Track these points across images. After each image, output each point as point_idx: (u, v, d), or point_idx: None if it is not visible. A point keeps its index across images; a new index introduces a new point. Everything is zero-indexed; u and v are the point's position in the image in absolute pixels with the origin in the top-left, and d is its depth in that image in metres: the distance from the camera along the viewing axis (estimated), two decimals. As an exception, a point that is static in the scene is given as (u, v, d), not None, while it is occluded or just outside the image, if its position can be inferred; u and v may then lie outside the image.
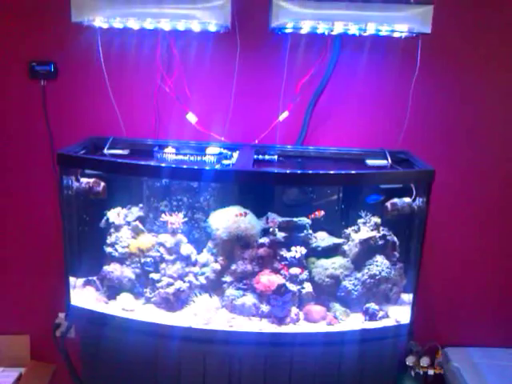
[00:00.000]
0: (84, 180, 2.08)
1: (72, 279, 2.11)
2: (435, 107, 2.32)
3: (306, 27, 2.02)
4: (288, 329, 1.97)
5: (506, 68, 2.29)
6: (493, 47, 2.26)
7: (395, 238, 2.12)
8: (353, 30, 2.04)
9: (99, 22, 2.05)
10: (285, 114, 2.30)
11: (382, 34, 2.07)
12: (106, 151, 2.17)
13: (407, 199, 2.06)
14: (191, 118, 2.31)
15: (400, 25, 1.97)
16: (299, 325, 2.00)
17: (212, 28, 2.07)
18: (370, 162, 2.17)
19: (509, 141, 2.36)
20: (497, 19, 2.23)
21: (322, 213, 2.07)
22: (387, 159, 2.15)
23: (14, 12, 2.28)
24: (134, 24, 2.07)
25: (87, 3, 1.97)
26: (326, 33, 2.11)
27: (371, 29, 2.01)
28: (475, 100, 2.32)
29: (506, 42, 2.26)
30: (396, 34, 2.09)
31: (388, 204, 2.07)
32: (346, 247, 2.13)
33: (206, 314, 1.98)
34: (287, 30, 2.07)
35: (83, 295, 2.10)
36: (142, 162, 1.94)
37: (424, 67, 2.18)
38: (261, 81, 2.32)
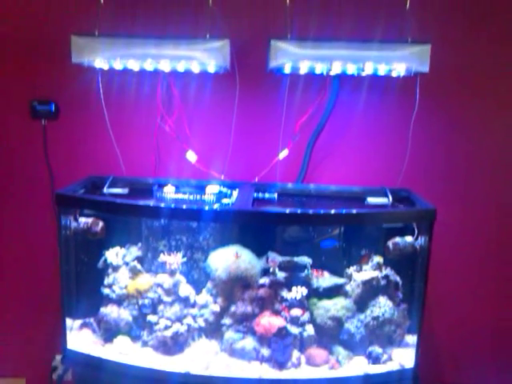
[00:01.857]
0: (82, 220, 2.07)
1: (69, 321, 2.07)
2: (435, 145, 2.31)
3: (304, 67, 2.04)
4: (289, 374, 1.91)
5: (506, 106, 2.28)
6: (492, 84, 2.26)
7: (398, 278, 2.08)
8: (351, 69, 2.05)
9: (99, 62, 2.07)
10: (285, 153, 2.29)
11: (380, 73, 2.08)
12: (105, 190, 2.16)
13: (409, 238, 2.03)
14: (191, 156, 2.31)
15: (398, 64, 1.98)
16: (301, 369, 1.94)
17: (211, 69, 2.09)
18: (370, 200, 2.15)
19: (510, 179, 2.34)
20: (496, 57, 2.24)
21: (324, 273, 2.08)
22: (388, 197, 2.12)
23: (15, 52, 2.31)
24: (134, 65, 2.09)
25: (87, 45, 1.99)
26: (325, 73, 2.12)
27: (369, 68, 2.02)
28: (476, 138, 2.31)
29: (505, 79, 2.26)
30: (394, 73, 2.10)
31: (390, 243, 2.04)
32: (348, 287, 2.08)
33: (204, 359, 1.93)
34: (286, 71, 2.08)
35: (80, 338, 2.06)
36: (140, 203, 1.92)
37: (423, 105, 2.18)
38: (260, 120, 2.33)
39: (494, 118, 2.29)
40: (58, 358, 2.46)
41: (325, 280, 2.07)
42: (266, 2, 2.19)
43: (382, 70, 2.05)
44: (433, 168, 2.33)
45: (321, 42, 1.96)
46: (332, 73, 2.12)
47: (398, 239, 2.03)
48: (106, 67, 2.14)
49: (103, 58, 2.02)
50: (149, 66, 2.09)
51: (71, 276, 2.07)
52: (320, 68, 2.05)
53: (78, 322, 2.11)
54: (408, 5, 2.05)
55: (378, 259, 2.07)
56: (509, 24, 2.20)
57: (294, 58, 1.96)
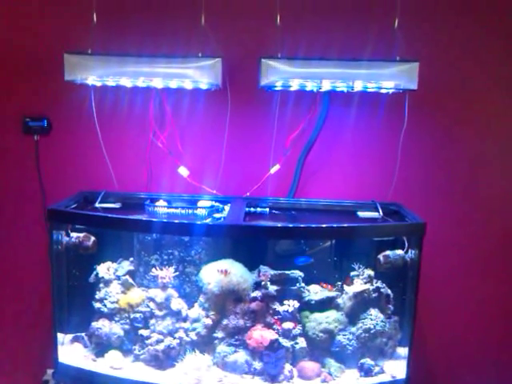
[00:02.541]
0: (74, 235, 2.08)
1: (60, 335, 2.07)
2: (424, 159, 2.35)
3: (294, 85, 2.08)
4: (281, 387, 1.92)
5: (494, 121, 2.33)
6: (480, 100, 2.31)
7: (389, 291, 2.10)
8: (341, 87, 2.09)
9: (92, 80, 2.09)
10: (276, 167, 2.32)
11: (369, 90, 2.12)
12: (97, 205, 2.17)
13: (400, 251, 2.06)
14: (183, 171, 2.33)
15: (386, 82, 2.02)
16: (293, 382, 1.95)
17: (203, 86, 2.12)
18: (361, 214, 2.18)
19: (499, 191, 2.37)
20: (483, 73, 2.29)
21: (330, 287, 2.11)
22: (378, 211, 2.16)
23: (8, 68, 2.34)
24: (126, 82, 2.11)
25: (80, 63, 2.02)
26: (315, 90, 2.16)
27: (358, 86, 2.06)
28: (463, 152, 2.35)
29: (492, 94, 2.31)
30: (383, 90, 2.14)
31: (381, 256, 2.06)
32: (339, 300, 2.10)
33: (196, 373, 1.93)
34: (276, 88, 2.12)
35: (71, 352, 2.06)
36: (132, 217, 1.94)
37: (412, 120, 2.23)
38: (252, 135, 2.36)
39: (482, 132, 2.33)
40: (50, 372, 2.44)
41: (316, 293, 2.09)
42: (257, 21, 2.24)
43: (372, 88, 2.09)
44: (422, 182, 2.36)
45: (311, 60, 2.00)
46: (322, 90, 2.16)
47: (388, 252, 2.05)
48: (98, 84, 2.16)
49: (96, 75, 2.04)
50: (141, 83, 2.12)
51: (63, 290, 2.07)
52: (310, 86, 2.09)
53: (70, 336, 2.10)
54: (396, 24, 2.10)
55: (368, 272, 2.09)
56: (496, 40, 2.26)
57: (284, 76, 2.00)
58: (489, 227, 2.39)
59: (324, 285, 2.10)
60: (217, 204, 2.16)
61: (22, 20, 2.31)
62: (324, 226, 1.88)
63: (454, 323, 2.46)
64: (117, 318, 2.06)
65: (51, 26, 2.30)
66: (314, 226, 1.90)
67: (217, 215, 2.07)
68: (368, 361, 1.99)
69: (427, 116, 2.31)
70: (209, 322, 2.03)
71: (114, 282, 2.10)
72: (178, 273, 2.08)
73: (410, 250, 2.03)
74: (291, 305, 2.03)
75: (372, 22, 2.21)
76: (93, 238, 2.09)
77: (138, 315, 2.04)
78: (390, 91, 2.15)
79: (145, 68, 2.01)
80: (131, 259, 2.15)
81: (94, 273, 2.12)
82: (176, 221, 1.93)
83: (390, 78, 2.00)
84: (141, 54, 2.02)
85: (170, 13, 2.26)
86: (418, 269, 1.95)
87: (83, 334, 2.09)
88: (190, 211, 2.09)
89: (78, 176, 2.38)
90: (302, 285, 2.09)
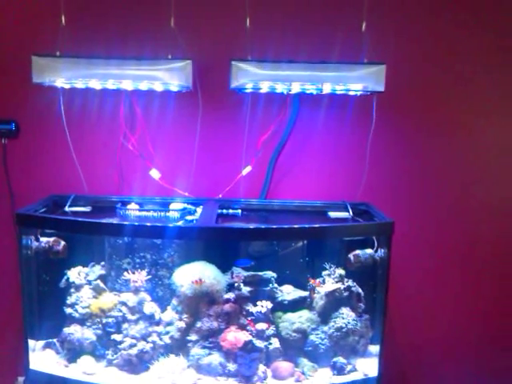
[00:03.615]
0: (44, 239, 2.05)
1: (31, 342, 2.03)
2: (393, 159, 2.40)
3: (264, 87, 2.09)
4: (255, 388, 1.93)
5: (460, 121, 2.38)
6: (446, 101, 2.36)
7: (360, 290, 2.14)
8: (310, 89, 2.11)
9: (61, 82, 2.07)
10: (248, 169, 2.34)
11: (338, 92, 2.15)
12: (67, 209, 2.15)
13: (369, 250, 2.09)
14: (155, 174, 2.32)
15: (354, 84, 2.05)
16: (267, 383, 1.96)
17: (174, 88, 2.11)
18: (332, 214, 2.21)
19: (468, 190, 2.43)
20: (450, 73, 2.34)
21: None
22: (348, 211, 2.19)
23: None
24: (96, 84, 2.09)
25: (48, 65, 1.99)
26: (285, 92, 2.19)
27: (327, 88, 2.09)
28: (432, 151, 2.40)
29: (457, 96, 2.37)
30: (352, 92, 2.18)
31: (351, 256, 2.09)
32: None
33: (171, 376, 1.93)
34: (247, 90, 2.13)
35: (43, 358, 2.03)
36: (103, 221, 1.93)
37: (380, 121, 2.27)
38: (223, 137, 2.36)
39: (449, 132, 2.38)
40: (21, 379, 2.41)
41: (289, 293, 2.11)
42: (226, 23, 2.25)
43: (340, 90, 2.12)
44: (391, 182, 2.41)
45: (280, 63, 2.02)
46: (292, 92, 2.18)
47: (358, 251, 2.09)
48: (67, 86, 2.14)
49: (65, 78, 2.02)
50: (111, 85, 2.10)
51: (33, 296, 2.05)
52: (280, 88, 2.11)
53: (41, 342, 2.08)
54: (364, 27, 2.14)
55: (339, 271, 2.12)
56: (461, 41, 2.31)
57: (254, 78, 2.01)
58: (457, 226, 2.44)
59: (312, 280, 2.12)
60: (189, 206, 2.17)
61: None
62: (296, 226, 1.91)
63: (424, 321, 2.51)
64: (89, 323, 2.04)
65: (19, 27, 2.26)
66: (285, 226, 1.92)
67: (189, 217, 2.08)
68: (340, 359, 2.02)
69: (395, 117, 2.35)
70: (182, 324, 2.02)
71: (86, 286, 2.08)
72: (150, 276, 2.07)
73: (379, 249, 2.07)
74: (264, 305, 2.04)
75: (340, 25, 2.25)
76: (63, 243, 2.06)
77: (110, 320, 2.02)
78: (358, 93, 2.18)
79: (114, 70, 1.99)
80: (102, 263, 2.13)
81: (65, 278, 2.09)
82: (148, 224, 1.92)
83: (358, 81, 2.04)
84: (110, 56, 2.02)
85: (139, 14, 2.25)
86: (387, 267, 1.99)
87: (55, 340, 2.07)
88: (162, 214, 2.08)
89: (47, 180, 2.35)
90: (275, 285, 2.11)
